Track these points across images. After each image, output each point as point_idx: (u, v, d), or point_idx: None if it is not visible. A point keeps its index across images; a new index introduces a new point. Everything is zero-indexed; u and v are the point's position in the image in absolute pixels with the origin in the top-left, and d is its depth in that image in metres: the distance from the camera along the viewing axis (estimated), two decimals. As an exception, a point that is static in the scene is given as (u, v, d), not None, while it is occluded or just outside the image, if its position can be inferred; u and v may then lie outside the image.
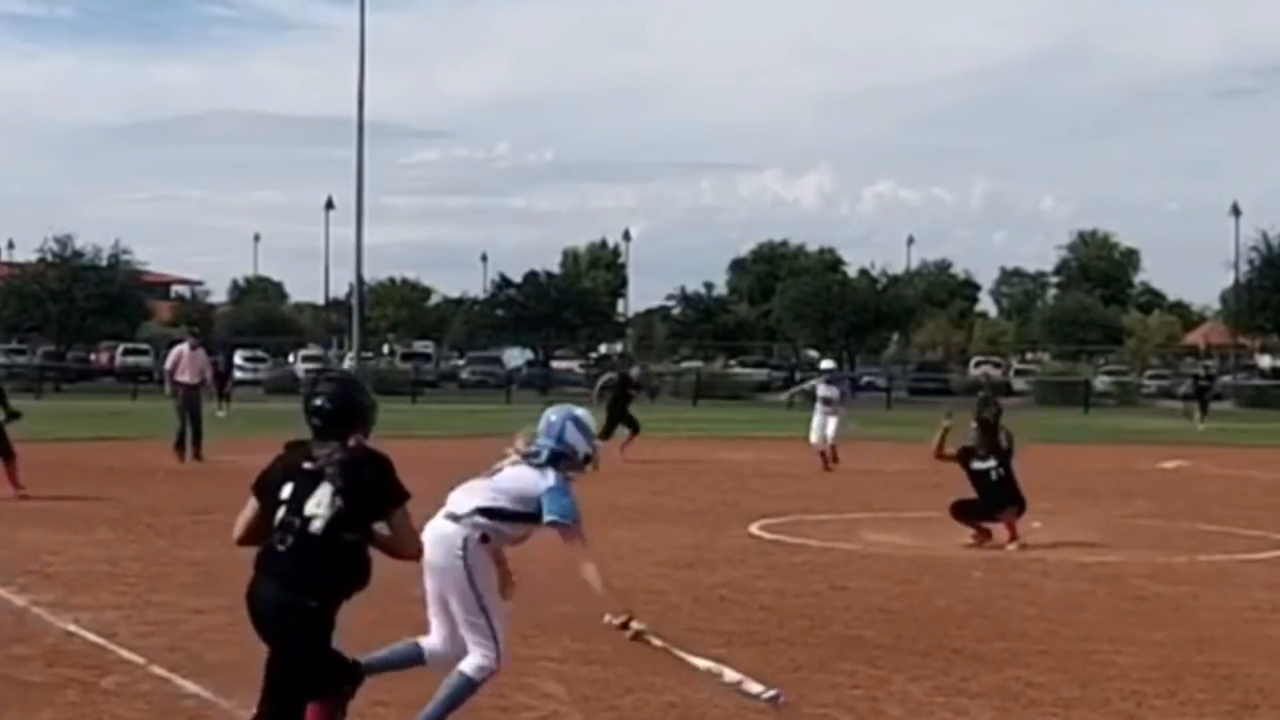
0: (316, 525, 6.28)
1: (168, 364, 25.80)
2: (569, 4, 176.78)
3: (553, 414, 7.49)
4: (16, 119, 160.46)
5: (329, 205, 78.97)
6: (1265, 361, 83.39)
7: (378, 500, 6.40)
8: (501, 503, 7.24)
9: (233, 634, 10.13)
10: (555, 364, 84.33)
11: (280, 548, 6.32)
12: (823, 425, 25.24)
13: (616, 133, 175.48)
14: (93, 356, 75.26)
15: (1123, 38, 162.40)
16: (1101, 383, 71.53)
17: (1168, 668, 9.59)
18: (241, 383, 64.21)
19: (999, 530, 15.38)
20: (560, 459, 7.32)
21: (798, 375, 71.49)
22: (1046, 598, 12.37)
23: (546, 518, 7.20)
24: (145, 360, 67.46)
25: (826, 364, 27.35)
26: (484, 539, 7.22)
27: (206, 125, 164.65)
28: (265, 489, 6.47)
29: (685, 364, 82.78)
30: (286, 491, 6.34)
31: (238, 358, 74.33)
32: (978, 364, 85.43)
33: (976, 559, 14.50)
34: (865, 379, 75.54)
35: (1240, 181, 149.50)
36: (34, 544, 14.37)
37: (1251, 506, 20.26)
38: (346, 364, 73.08)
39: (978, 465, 15.71)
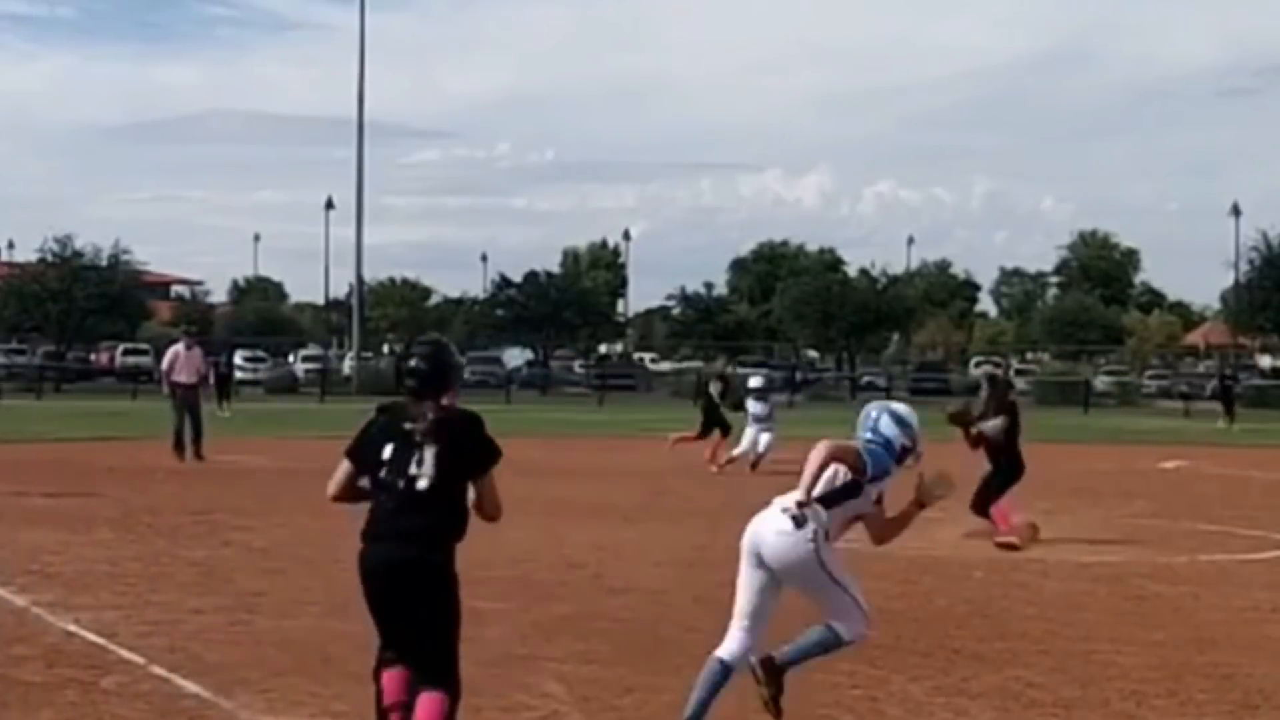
0: (422, 484, 6.43)
1: (164, 364, 25.64)
2: (570, 4, 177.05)
3: (872, 409, 7.96)
4: (17, 119, 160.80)
5: (329, 205, 79.03)
6: (1265, 362, 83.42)
7: (473, 459, 6.57)
8: (828, 489, 7.55)
9: (233, 634, 10.14)
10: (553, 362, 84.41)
11: (389, 507, 6.48)
12: (753, 439, 25.28)
13: (617, 133, 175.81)
14: (93, 356, 75.19)
15: (1124, 38, 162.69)
16: (1101, 383, 71.52)
17: (1168, 668, 9.59)
18: (241, 383, 64.15)
19: (987, 520, 15.39)
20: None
21: (797, 376, 71.59)
22: (1046, 598, 12.37)
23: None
24: (145, 360, 67.35)
25: (754, 381, 27.57)
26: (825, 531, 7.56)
27: (207, 125, 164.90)
28: (361, 450, 6.62)
29: (685, 364, 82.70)
30: (388, 452, 6.49)
31: (238, 358, 74.39)
32: (978, 364, 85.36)
33: (976, 559, 14.49)
34: (865, 379, 75.59)
35: (1241, 181, 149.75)
36: (34, 544, 14.36)
37: (1251, 506, 20.25)
38: (346, 364, 73.13)
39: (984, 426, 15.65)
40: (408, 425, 6.50)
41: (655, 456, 26.27)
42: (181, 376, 24.80)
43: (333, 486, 6.72)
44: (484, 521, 6.69)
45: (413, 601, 6.43)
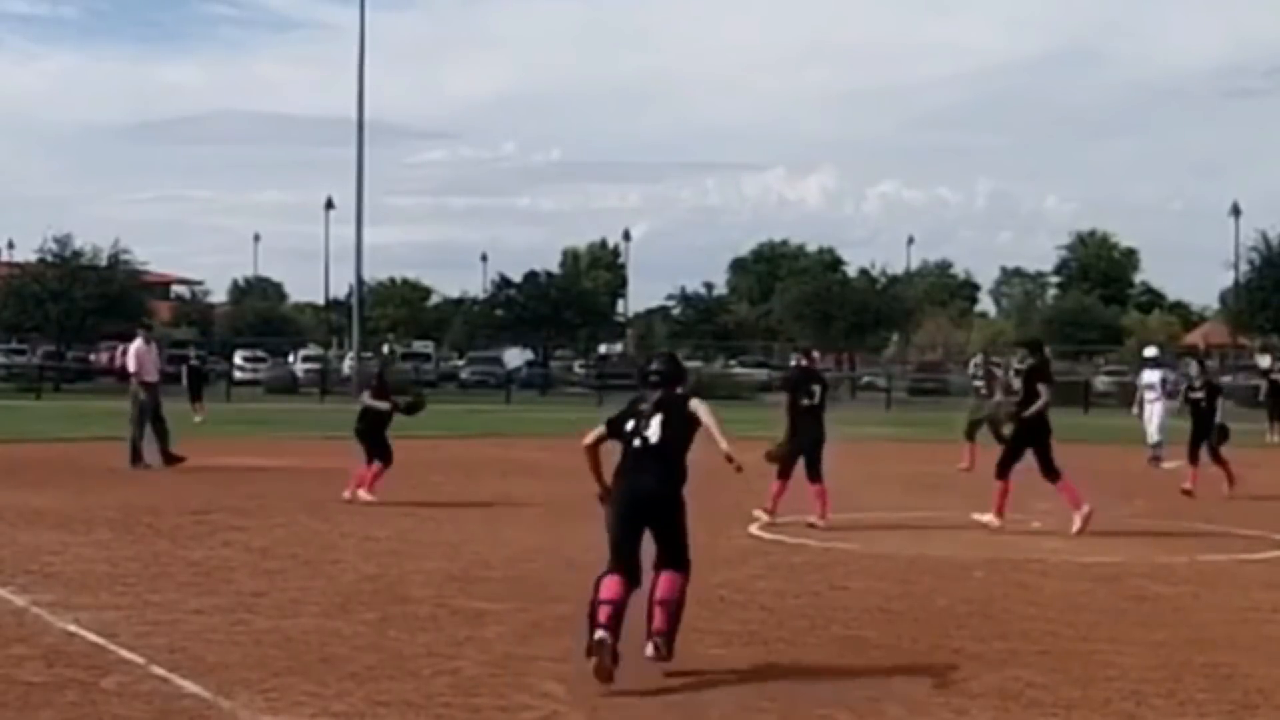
0: (654, 441, 9.27)
1: (131, 364, 23.35)
2: (574, 4, 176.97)
3: None
4: (20, 119, 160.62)
5: (329, 205, 79.00)
6: (1265, 362, 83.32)
7: (685, 424, 9.32)
8: None
9: (233, 634, 10.13)
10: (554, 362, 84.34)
11: (636, 459, 9.28)
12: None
13: (622, 132, 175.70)
14: (92, 356, 75.17)
15: (1129, 38, 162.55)
16: (1101, 383, 71.46)
17: (1168, 668, 9.58)
18: (241, 383, 64.17)
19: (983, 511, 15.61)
20: None
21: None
22: (1046, 598, 12.36)
23: None
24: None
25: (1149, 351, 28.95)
26: None
27: (210, 125, 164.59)
28: (614, 425, 9.47)
29: (684, 364, 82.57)
30: (630, 425, 9.35)
31: (237, 358, 74.34)
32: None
33: (976, 559, 14.50)
34: (865, 379, 75.61)
35: (1243, 181, 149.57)
36: (34, 544, 14.36)
37: (1251, 506, 20.25)
38: (346, 364, 73.09)
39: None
40: (642, 406, 9.36)
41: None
42: (151, 375, 23.14)
43: (590, 438, 9.52)
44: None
45: (660, 515, 9.18)
